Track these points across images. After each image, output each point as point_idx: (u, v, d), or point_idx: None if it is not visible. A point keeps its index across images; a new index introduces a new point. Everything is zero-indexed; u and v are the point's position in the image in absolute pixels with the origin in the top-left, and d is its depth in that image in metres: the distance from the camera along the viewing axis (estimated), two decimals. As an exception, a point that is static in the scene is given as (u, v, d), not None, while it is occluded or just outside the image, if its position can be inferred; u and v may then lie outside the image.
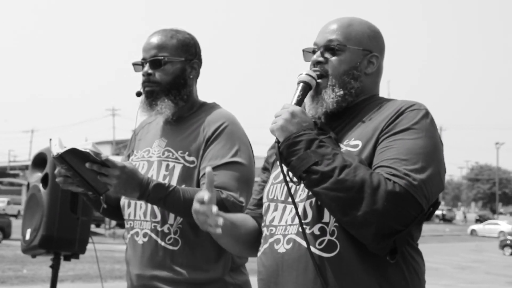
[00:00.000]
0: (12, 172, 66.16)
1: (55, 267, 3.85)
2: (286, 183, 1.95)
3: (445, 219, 69.67)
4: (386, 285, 1.90)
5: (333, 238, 1.90)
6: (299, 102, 2.03)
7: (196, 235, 2.58)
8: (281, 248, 1.98)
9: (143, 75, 2.69)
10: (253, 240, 2.17)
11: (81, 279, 14.47)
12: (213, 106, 2.75)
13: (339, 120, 2.08)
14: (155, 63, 2.67)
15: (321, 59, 2.09)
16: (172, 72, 2.68)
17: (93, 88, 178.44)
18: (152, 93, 2.67)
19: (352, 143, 1.98)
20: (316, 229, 1.93)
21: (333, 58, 2.08)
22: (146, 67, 2.68)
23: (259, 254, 2.09)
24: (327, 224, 1.92)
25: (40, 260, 14.33)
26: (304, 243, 1.93)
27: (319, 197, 1.88)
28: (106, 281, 13.80)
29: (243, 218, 2.21)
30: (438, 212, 69.69)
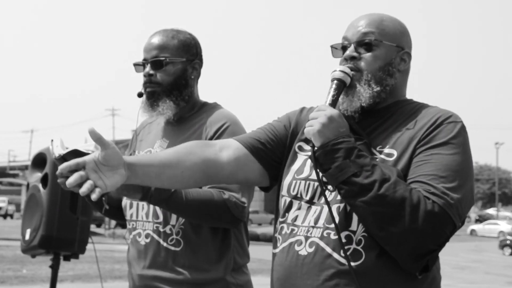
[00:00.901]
0: (11, 172, 66.18)
1: (54, 267, 3.85)
2: (322, 190, 1.89)
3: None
4: None
5: (359, 248, 1.86)
6: (334, 102, 1.94)
7: (198, 236, 2.58)
8: (303, 250, 1.92)
9: (145, 75, 2.69)
10: (205, 169, 1.98)
11: (81, 279, 14.47)
12: (214, 106, 2.75)
13: (370, 120, 2.00)
14: (157, 64, 2.67)
15: (355, 54, 2.00)
16: (173, 72, 2.67)
17: (93, 88, 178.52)
18: (153, 94, 2.66)
19: (387, 151, 1.92)
20: (342, 236, 1.87)
21: (368, 54, 1.99)
22: (148, 68, 2.68)
23: (275, 250, 2.03)
24: (354, 232, 1.87)
25: (39, 260, 14.32)
26: (327, 248, 1.88)
27: (356, 209, 1.82)
28: (105, 281, 13.80)
29: (192, 155, 1.98)
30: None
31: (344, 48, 2.05)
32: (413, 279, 1.86)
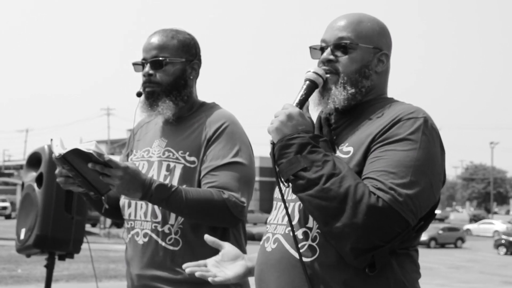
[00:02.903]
0: (6, 171, 66.08)
1: (49, 267, 3.85)
2: (278, 184, 1.94)
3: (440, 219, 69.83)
4: None
5: (314, 244, 1.89)
6: (302, 102, 1.97)
7: (196, 235, 2.58)
8: (269, 247, 1.99)
9: (144, 75, 2.68)
10: None
11: (76, 279, 14.46)
12: (213, 106, 2.75)
13: (343, 119, 2.04)
14: (156, 64, 2.67)
15: (331, 57, 2.02)
16: (172, 73, 2.68)
17: (88, 88, 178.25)
18: (153, 93, 2.66)
19: (345, 149, 1.94)
20: (300, 233, 1.92)
21: (344, 57, 2.01)
22: (147, 68, 2.68)
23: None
24: (310, 229, 1.91)
25: (34, 259, 14.31)
26: (286, 245, 1.93)
27: (304, 203, 1.86)
28: (100, 281, 13.80)
29: None
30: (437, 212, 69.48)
31: (322, 49, 2.07)
32: (371, 276, 1.84)
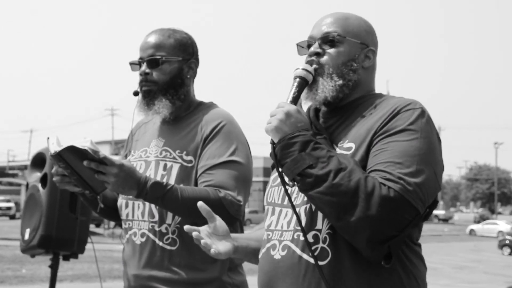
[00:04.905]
0: (11, 172, 66.13)
1: (54, 267, 3.86)
2: (284, 185, 1.91)
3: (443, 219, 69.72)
4: None
5: (325, 246, 1.88)
6: (295, 99, 1.98)
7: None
8: (277, 254, 1.97)
9: (141, 74, 2.68)
10: None
11: (80, 279, 14.47)
12: (210, 106, 2.75)
13: (334, 118, 2.04)
14: (153, 63, 2.67)
15: (319, 50, 2.04)
16: (169, 71, 2.67)
17: (92, 88, 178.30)
18: (149, 92, 2.66)
19: (346, 146, 1.94)
20: (310, 237, 1.91)
21: (331, 50, 2.03)
22: (144, 67, 2.68)
23: (259, 257, 2.08)
24: (319, 231, 1.90)
25: (39, 260, 14.34)
26: (297, 250, 1.92)
27: (313, 201, 1.85)
28: (105, 281, 13.80)
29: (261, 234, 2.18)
30: (437, 212, 69.85)
31: (309, 46, 2.09)
32: (386, 270, 1.86)
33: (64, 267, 15.20)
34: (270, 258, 1.99)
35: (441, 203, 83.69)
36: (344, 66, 2.02)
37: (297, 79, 2.00)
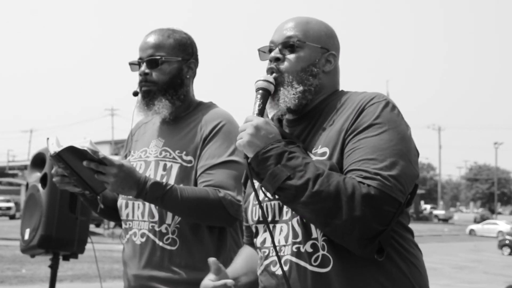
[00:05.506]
0: (11, 172, 66.10)
1: (54, 267, 3.86)
2: (259, 202, 1.93)
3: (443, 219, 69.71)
4: (388, 283, 1.89)
5: (325, 253, 1.89)
6: (261, 111, 1.97)
7: (194, 234, 2.58)
8: (279, 270, 1.97)
9: (140, 74, 2.68)
10: None
11: (80, 279, 14.47)
12: (209, 106, 2.75)
13: (302, 125, 2.05)
14: (152, 63, 2.67)
15: (279, 55, 2.05)
16: (169, 71, 2.68)
17: (92, 88, 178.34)
18: (149, 92, 2.66)
19: (320, 151, 1.94)
20: (308, 247, 1.91)
21: (291, 56, 2.04)
22: (143, 67, 2.68)
23: (258, 273, 2.09)
24: (316, 239, 1.91)
25: (39, 260, 14.34)
26: (301, 262, 1.92)
27: (298, 212, 1.86)
28: (105, 281, 13.80)
29: (250, 262, 2.20)
30: (437, 212, 69.75)
31: (271, 51, 2.10)
32: (385, 262, 1.88)
33: (64, 267, 15.20)
34: (272, 275, 2.00)
35: (441, 203, 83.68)
36: (303, 72, 2.03)
37: (260, 91, 2.00)
